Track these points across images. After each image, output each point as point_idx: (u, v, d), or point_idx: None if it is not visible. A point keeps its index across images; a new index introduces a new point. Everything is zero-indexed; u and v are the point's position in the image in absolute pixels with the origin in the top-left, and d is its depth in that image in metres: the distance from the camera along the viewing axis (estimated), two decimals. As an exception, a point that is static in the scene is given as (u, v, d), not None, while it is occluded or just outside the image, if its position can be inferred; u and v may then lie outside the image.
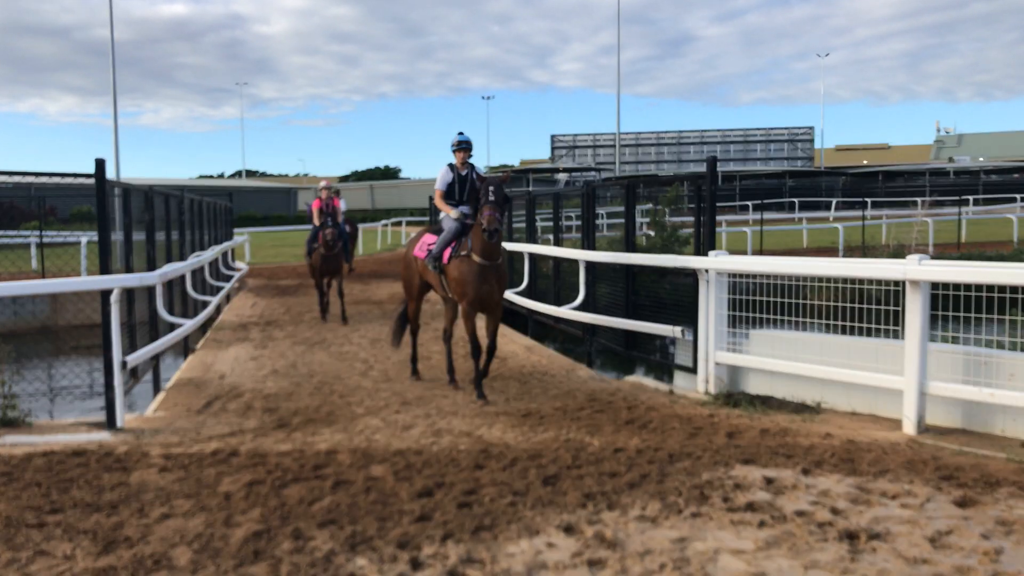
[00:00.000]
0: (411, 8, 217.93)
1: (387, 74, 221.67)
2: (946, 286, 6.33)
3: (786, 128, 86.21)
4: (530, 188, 49.02)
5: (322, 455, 5.87)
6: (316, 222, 13.84)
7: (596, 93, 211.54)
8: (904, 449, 5.87)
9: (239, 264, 21.19)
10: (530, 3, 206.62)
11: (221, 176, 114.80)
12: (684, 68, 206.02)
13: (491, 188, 7.54)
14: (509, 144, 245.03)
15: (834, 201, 46.39)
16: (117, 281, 6.78)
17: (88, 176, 6.68)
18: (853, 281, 7.05)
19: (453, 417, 7.18)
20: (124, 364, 6.90)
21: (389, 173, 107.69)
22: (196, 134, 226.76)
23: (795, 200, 46.68)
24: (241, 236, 24.50)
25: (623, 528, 4.45)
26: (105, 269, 6.84)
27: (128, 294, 7.84)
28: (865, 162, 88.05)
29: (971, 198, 44.72)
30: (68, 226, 32.74)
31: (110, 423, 6.87)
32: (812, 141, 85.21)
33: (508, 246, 15.15)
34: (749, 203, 42.73)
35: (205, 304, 11.52)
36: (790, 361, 7.18)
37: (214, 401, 8.06)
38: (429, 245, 8.47)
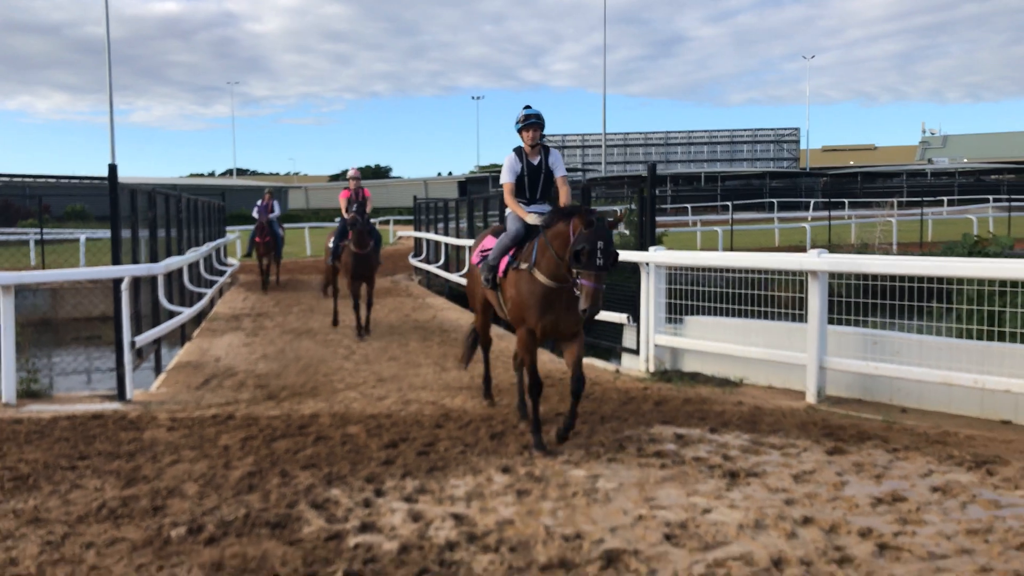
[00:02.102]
0: (405, 7, 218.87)
1: (379, 73, 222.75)
2: (865, 277, 7.42)
3: (772, 129, 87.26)
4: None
5: (306, 418, 6.88)
6: (345, 214, 12.18)
7: (588, 93, 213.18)
8: (801, 413, 6.92)
9: (231, 260, 22.11)
10: (524, 3, 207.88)
11: (212, 174, 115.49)
12: (676, 68, 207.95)
13: (600, 245, 5.24)
14: (500, 143, 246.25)
15: (812, 202, 47.58)
16: (128, 271, 7.77)
17: (102, 179, 7.65)
18: (769, 272, 8.08)
19: (422, 391, 8.18)
20: (133, 344, 7.87)
21: (380, 172, 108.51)
22: (187, 132, 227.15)
23: (774, 200, 47.85)
24: (232, 234, 25.39)
25: (550, 468, 5.47)
26: (116, 261, 7.81)
27: (134, 286, 8.81)
28: (851, 163, 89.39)
29: (945, 199, 46.02)
30: (62, 224, 33.62)
31: (120, 395, 7.83)
32: (798, 142, 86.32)
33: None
34: (729, 203, 43.86)
35: (201, 296, 12.49)
36: (716, 342, 8.21)
37: (211, 379, 9.03)
38: (485, 251, 6.59)
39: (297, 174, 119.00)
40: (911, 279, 7.26)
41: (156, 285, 9.76)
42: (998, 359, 6.59)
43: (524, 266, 5.91)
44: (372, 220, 12.29)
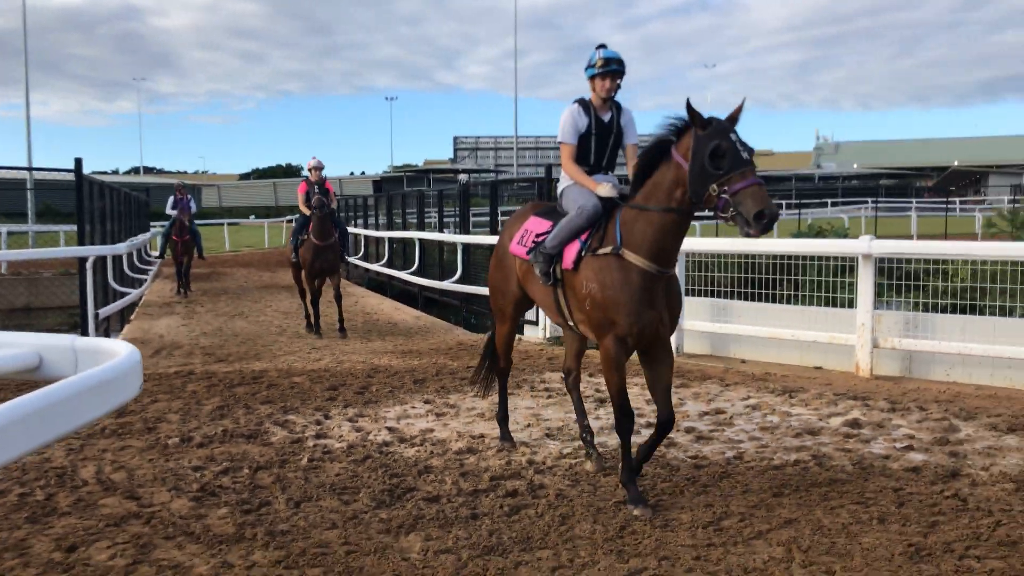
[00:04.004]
0: (317, 6, 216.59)
1: (292, 72, 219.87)
2: (717, 255, 9.20)
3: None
4: (430, 187, 51.19)
5: (256, 372, 8.17)
6: (304, 209, 11.22)
7: (502, 96, 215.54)
8: (663, 364, 8.61)
9: (154, 253, 22.79)
10: (440, 5, 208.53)
11: (115, 172, 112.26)
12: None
13: (734, 137, 4.02)
14: (413, 144, 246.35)
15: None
16: (93, 251, 8.88)
17: (68, 171, 8.74)
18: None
19: (352, 355, 9.54)
20: (96, 315, 8.98)
21: (291, 171, 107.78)
22: (88, 128, 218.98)
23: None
24: (155, 228, 25.96)
25: (462, 401, 6.96)
26: (82, 243, 8.90)
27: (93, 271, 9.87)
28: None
29: (829, 201, 49.66)
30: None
31: (84, 361, 8.91)
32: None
33: (399, 234, 17.52)
34: (633, 204, 46.31)
35: (142, 281, 13.46)
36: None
37: (161, 351, 10.14)
38: (537, 236, 4.98)
39: (206, 173, 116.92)
40: (760, 256, 9.09)
41: (106, 269, 10.80)
42: (813, 320, 8.42)
43: (607, 250, 4.43)
44: (289, 217, 12.22)
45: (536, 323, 10.64)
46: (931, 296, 9.21)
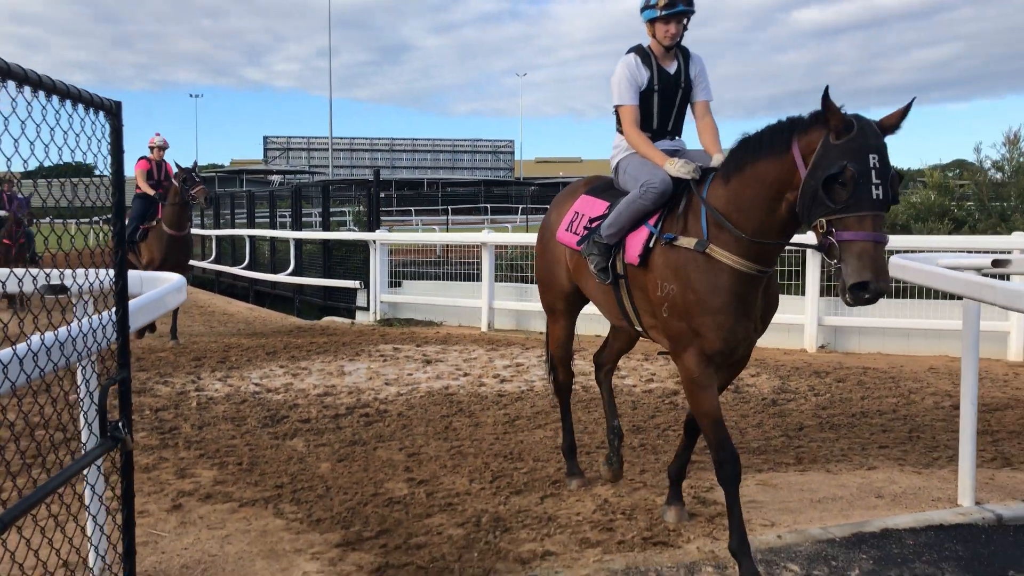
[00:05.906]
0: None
1: (77, 62, 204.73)
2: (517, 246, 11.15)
3: (490, 140, 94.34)
4: (244, 188, 50.65)
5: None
6: (147, 189, 10.04)
7: (312, 96, 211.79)
8: (476, 335, 10.48)
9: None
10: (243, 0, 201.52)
11: None
12: (402, 76, 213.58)
13: (874, 162, 2.92)
14: (220, 143, 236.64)
15: (520, 207, 53.73)
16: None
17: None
18: (459, 245, 11.62)
19: (202, 337, 10.67)
20: (-49, 304, 9.56)
21: (84, 170, 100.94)
22: None
23: (488, 206, 53.35)
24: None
25: (312, 364, 8.46)
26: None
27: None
28: (561, 173, 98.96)
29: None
30: None
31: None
32: (513, 153, 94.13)
33: (230, 232, 18.36)
34: (448, 207, 48.48)
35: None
36: (425, 296, 11.60)
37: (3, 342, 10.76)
38: (592, 222, 4.07)
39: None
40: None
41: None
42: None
43: (688, 242, 3.51)
44: (96, 219, 10.56)
45: (367, 308, 12.20)
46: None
